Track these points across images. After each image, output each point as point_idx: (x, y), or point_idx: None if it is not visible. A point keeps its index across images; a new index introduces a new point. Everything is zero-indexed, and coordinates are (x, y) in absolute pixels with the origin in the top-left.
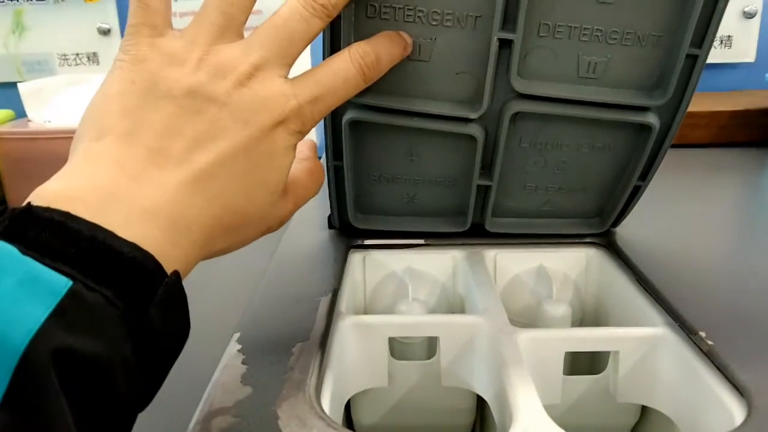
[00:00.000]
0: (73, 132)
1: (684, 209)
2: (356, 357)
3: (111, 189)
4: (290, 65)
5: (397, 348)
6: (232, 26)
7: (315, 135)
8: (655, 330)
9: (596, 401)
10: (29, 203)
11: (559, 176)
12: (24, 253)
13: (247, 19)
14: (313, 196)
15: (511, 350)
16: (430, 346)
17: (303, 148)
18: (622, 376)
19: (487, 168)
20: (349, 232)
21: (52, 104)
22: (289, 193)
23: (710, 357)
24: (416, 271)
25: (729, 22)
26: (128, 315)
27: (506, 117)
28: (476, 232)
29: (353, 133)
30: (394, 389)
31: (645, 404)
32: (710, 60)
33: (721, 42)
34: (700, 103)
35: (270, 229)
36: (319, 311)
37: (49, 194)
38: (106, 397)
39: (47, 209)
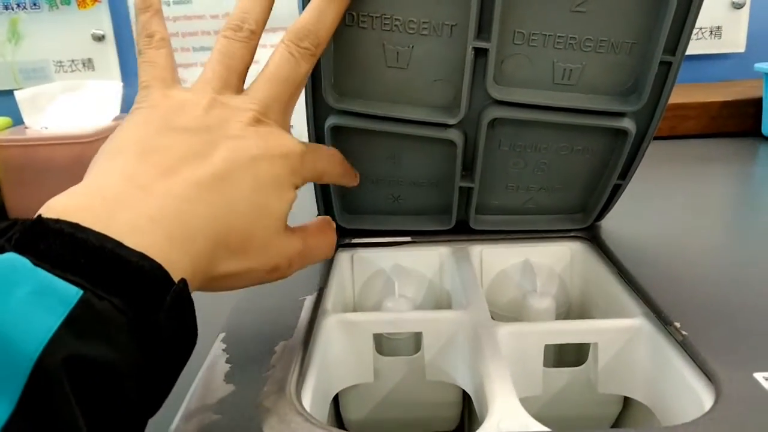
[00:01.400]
0: (69, 138)
1: (672, 201)
2: (341, 354)
3: (118, 198)
4: (291, 108)
5: (385, 344)
6: (234, 77)
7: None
8: (633, 321)
9: (578, 392)
10: (39, 215)
11: (540, 176)
12: (35, 264)
13: (247, 69)
14: (323, 254)
15: (490, 344)
16: (417, 341)
17: (321, 218)
18: (602, 367)
19: (468, 170)
20: (337, 231)
21: (48, 111)
22: (296, 234)
23: (684, 347)
24: (404, 268)
25: (718, 13)
26: (137, 322)
27: (484, 123)
28: (462, 229)
29: (336, 138)
30: (381, 384)
31: (624, 394)
32: (700, 51)
33: (711, 32)
34: (690, 93)
35: (277, 269)
36: (304, 310)
37: (59, 206)
38: (117, 403)
39: (57, 221)
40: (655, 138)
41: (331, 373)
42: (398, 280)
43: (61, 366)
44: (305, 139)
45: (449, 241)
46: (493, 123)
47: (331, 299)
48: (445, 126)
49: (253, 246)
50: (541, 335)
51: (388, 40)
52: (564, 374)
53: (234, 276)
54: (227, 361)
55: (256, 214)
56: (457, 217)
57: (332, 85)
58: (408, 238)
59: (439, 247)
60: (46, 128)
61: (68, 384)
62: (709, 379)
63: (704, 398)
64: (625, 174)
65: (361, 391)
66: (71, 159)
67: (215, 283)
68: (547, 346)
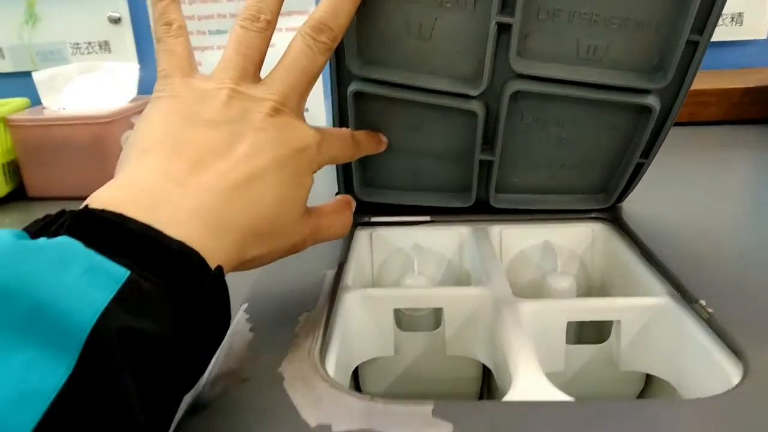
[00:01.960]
0: (87, 118)
1: (692, 186)
2: (362, 327)
3: (159, 194)
4: (306, 97)
5: (405, 320)
6: (251, 66)
7: (324, 109)
8: (657, 299)
9: (600, 369)
10: (86, 206)
11: (562, 152)
12: (87, 246)
13: (263, 58)
14: (335, 234)
15: (512, 319)
16: (437, 318)
17: (341, 197)
18: (624, 345)
19: (489, 143)
20: (356, 209)
21: (65, 91)
22: (312, 214)
23: (710, 324)
24: (423, 248)
25: None
26: (178, 304)
27: (506, 95)
28: (482, 209)
29: (357, 105)
30: (401, 359)
31: (647, 371)
32: (721, 37)
33: (732, 19)
34: (711, 80)
35: (294, 247)
36: (325, 284)
37: (104, 197)
38: (160, 374)
39: (103, 211)
40: (676, 124)
41: (352, 346)
42: (417, 259)
43: (115, 336)
44: (324, 111)
45: (469, 221)
46: (516, 96)
47: (351, 276)
48: (467, 97)
49: (277, 231)
50: (564, 312)
51: (412, 12)
52: (586, 351)
53: (260, 258)
54: (251, 330)
55: (280, 204)
56: (477, 196)
57: (356, 53)
58: (427, 217)
59: (458, 227)
60: (64, 109)
61: (119, 353)
62: (737, 356)
63: (732, 374)
64: (648, 152)
65: (381, 365)
66: (88, 139)
67: (244, 265)
68: (568, 324)
